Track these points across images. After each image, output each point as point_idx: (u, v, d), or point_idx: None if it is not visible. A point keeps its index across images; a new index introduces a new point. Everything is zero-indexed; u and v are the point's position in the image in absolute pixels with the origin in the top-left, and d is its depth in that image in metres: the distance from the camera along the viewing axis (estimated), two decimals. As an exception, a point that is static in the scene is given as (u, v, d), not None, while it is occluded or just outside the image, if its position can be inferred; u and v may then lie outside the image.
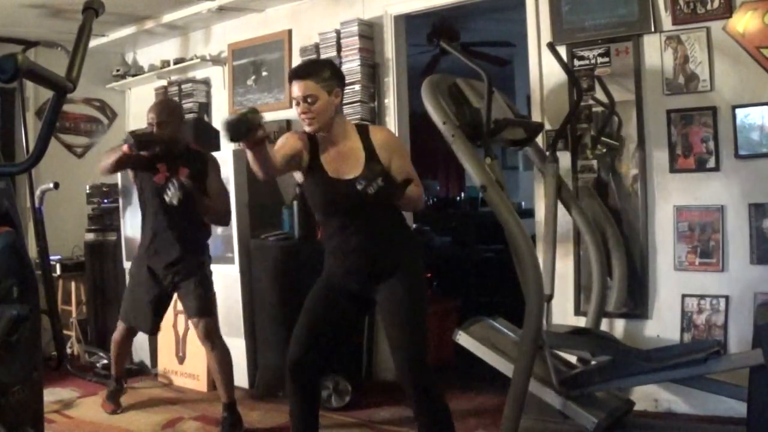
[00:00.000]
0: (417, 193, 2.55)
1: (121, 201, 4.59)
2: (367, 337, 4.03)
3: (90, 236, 4.88)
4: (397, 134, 4.23)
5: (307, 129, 2.51)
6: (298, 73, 2.50)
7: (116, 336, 3.62)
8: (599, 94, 3.48)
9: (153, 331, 3.66)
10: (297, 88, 2.46)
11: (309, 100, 2.43)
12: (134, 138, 3.27)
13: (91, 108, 5.68)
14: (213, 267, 3.57)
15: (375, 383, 4.08)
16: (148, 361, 4.51)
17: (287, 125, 4.69)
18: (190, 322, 3.65)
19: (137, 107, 5.66)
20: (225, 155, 4.11)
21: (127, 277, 3.83)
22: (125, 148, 3.29)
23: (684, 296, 3.33)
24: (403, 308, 2.50)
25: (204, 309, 3.40)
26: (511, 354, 2.94)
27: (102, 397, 3.78)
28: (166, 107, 3.48)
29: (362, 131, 2.56)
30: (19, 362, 1.71)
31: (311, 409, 2.70)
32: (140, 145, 3.25)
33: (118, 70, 5.63)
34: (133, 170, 3.49)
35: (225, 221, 3.51)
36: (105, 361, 4.35)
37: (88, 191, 4.96)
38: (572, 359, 3.26)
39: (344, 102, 4.21)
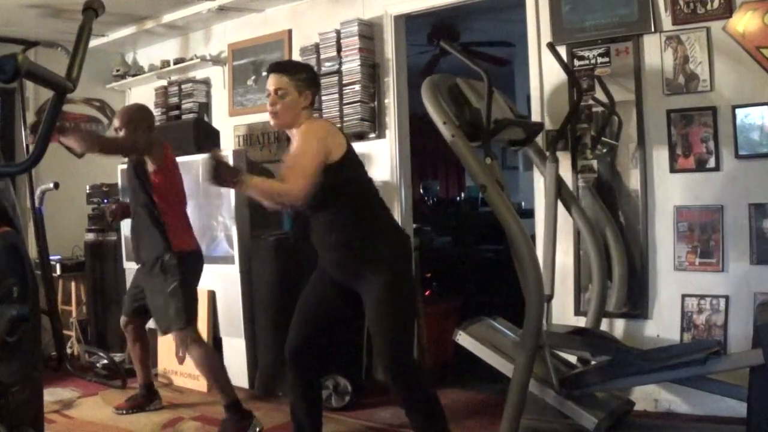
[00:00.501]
0: (265, 188, 2.30)
1: (121, 201, 4.58)
2: (367, 337, 4.03)
3: (90, 236, 4.87)
4: (397, 134, 4.25)
5: (271, 123, 2.58)
6: (274, 67, 2.57)
7: (128, 341, 3.63)
8: (599, 94, 3.48)
9: (126, 313, 3.55)
10: (270, 81, 2.52)
11: (279, 93, 2.49)
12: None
13: (91, 108, 5.68)
14: (213, 267, 3.55)
15: (375, 383, 4.07)
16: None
17: (287, 125, 4.69)
18: None
19: (137, 107, 5.66)
20: (225, 155, 4.10)
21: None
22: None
23: (684, 296, 3.33)
24: (379, 309, 2.50)
25: (165, 323, 3.28)
26: (511, 354, 2.94)
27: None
28: (124, 113, 3.47)
29: None
30: (19, 362, 1.71)
31: (313, 403, 2.71)
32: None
33: (118, 70, 5.63)
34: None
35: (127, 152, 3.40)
36: (105, 361, 4.35)
37: (88, 191, 4.96)
38: (572, 359, 3.26)
39: (344, 102, 4.28)
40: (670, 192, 3.39)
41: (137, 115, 3.45)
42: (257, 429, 3.28)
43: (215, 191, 4.07)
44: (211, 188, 4.05)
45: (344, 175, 2.49)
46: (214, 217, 4.11)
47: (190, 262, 3.37)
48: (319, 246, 2.64)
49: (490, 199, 2.65)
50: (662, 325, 3.39)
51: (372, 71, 4.28)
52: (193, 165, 3.96)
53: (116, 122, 3.44)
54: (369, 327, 2.56)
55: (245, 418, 3.29)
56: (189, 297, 3.30)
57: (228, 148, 4.75)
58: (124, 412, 3.61)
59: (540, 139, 3.50)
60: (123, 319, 3.59)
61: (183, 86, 5.20)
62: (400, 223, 3.26)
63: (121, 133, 3.40)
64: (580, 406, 2.85)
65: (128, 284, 4.49)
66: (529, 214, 4.35)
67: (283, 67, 2.58)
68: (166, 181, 3.34)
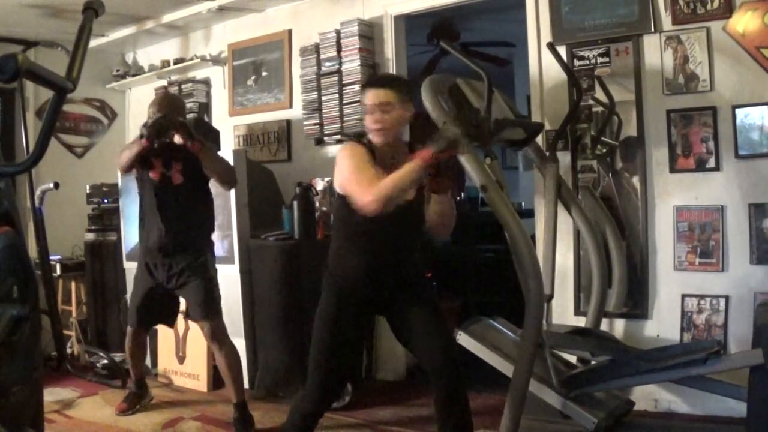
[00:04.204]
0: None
1: (121, 201, 4.58)
2: (368, 338, 4.03)
3: (90, 236, 4.87)
4: (397, 134, 4.24)
5: (376, 139, 2.48)
6: (380, 81, 2.55)
7: (126, 340, 3.62)
8: (599, 94, 3.48)
9: (138, 324, 3.53)
10: (375, 96, 2.45)
11: (387, 108, 2.44)
12: (150, 128, 3.14)
13: (91, 108, 5.68)
14: (213, 267, 3.56)
15: (375, 383, 4.08)
16: (148, 361, 4.50)
17: (287, 125, 4.70)
18: (195, 323, 3.60)
19: (137, 107, 5.66)
20: (225, 155, 4.10)
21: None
22: (144, 141, 3.17)
23: (684, 296, 3.33)
24: (439, 313, 2.57)
25: (208, 311, 3.35)
26: (511, 354, 2.94)
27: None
28: (168, 100, 3.47)
29: (408, 146, 2.58)
30: (19, 362, 1.71)
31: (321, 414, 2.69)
32: (158, 132, 3.14)
33: (118, 70, 5.63)
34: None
35: (231, 179, 3.42)
36: (105, 361, 4.35)
37: (88, 191, 4.96)
38: (572, 359, 3.26)
39: (344, 102, 4.28)
40: (670, 192, 3.39)
41: (174, 97, 3.48)
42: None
43: (215, 191, 4.06)
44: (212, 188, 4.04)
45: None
46: (214, 216, 4.11)
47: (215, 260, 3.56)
48: (379, 257, 2.52)
49: (490, 199, 2.65)
50: (662, 325, 3.39)
51: (372, 71, 4.28)
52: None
53: (154, 109, 3.33)
54: (426, 329, 2.51)
55: (251, 419, 3.37)
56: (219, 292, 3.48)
57: (228, 148, 4.75)
58: (130, 413, 3.61)
59: (540, 139, 3.50)
60: (131, 331, 3.55)
61: (183, 86, 5.20)
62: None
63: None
64: (580, 406, 2.85)
65: (128, 285, 4.50)
66: (529, 214, 4.35)
67: (388, 81, 2.55)
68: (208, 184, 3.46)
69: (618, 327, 3.51)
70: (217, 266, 3.68)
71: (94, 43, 5.02)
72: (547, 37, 3.66)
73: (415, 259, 2.63)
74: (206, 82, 5.21)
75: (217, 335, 3.37)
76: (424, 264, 2.74)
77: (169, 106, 3.37)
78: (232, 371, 3.40)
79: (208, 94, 5.22)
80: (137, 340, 3.60)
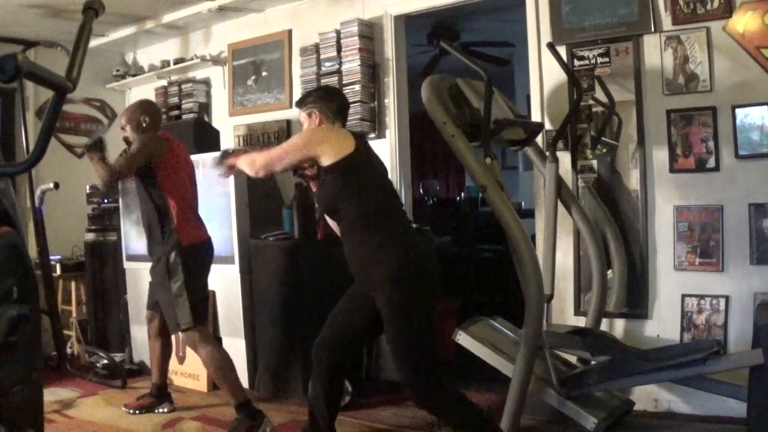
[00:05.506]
0: (248, 159, 2.81)
1: (121, 201, 4.58)
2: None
3: (90, 236, 4.87)
4: (397, 134, 4.27)
5: None
6: (295, 104, 2.95)
7: (149, 336, 3.67)
8: (599, 94, 3.48)
9: (149, 307, 3.60)
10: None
11: (302, 122, 2.83)
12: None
13: (91, 108, 5.68)
14: (213, 267, 3.52)
15: (375, 383, 4.08)
16: (148, 361, 4.50)
17: (287, 125, 4.70)
18: None
19: (137, 107, 5.66)
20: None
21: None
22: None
23: (684, 296, 3.33)
24: (387, 324, 2.51)
25: (173, 322, 3.27)
26: (511, 354, 2.94)
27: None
28: (125, 112, 3.57)
29: None
30: (19, 362, 1.70)
31: (329, 401, 2.70)
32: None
33: (118, 70, 5.63)
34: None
35: (103, 186, 3.30)
36: (105, 361, 4.35)
37: (88, 191, 4.96)
38: (572, 359, 3.26)
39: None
40: (670, 192, 3.39)
41: (137, 113, 3.47)
42: (268, 429, 3.21)
43: (216, 191, 4.07)
44: (212, 188, 4.05)
45: (340, 182, 2.54)
46: (214, 216, 4.11)
47: (197, 257, 3.34)
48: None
49: (490, 199, 2.65)
50: (662, 325, 3.39)
51: (372, 71, 4.28)
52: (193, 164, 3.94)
53: (121, 121, 3.53)
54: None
55: (255, 418, 3.22)
56: (196, 296, 3.28)
57: (226, 147, 4.75)
58: (131, 411, 3.59)
59: (540, 139, 3.50)
60: (147, 313, 3.63)
61: (183, 86, 5.21)
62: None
63: (126, 132, 3.47)
64: (580, 406, 2.85)
65: (128, 284, 4.52)
66: (529, 214, 4.35)
67: (297, 102, 2.87)
68: (171, 177, 3.33)
69: (618, 327, 3.51)
70: (218, 266, 3.67)
71: (94, 43, 5.03)
72: (547, 37, 3.66)
73: (360, 260, 2.61)
74: (206, 82, 5.21)
75: (190, 344, 3.36)
76: (380, 272, 2.59)
77: (126, 115, 3.51)
78: (216, 375, 3.33)
79: (208, 94, 5.22)
80: (154, 328, 3.61)
